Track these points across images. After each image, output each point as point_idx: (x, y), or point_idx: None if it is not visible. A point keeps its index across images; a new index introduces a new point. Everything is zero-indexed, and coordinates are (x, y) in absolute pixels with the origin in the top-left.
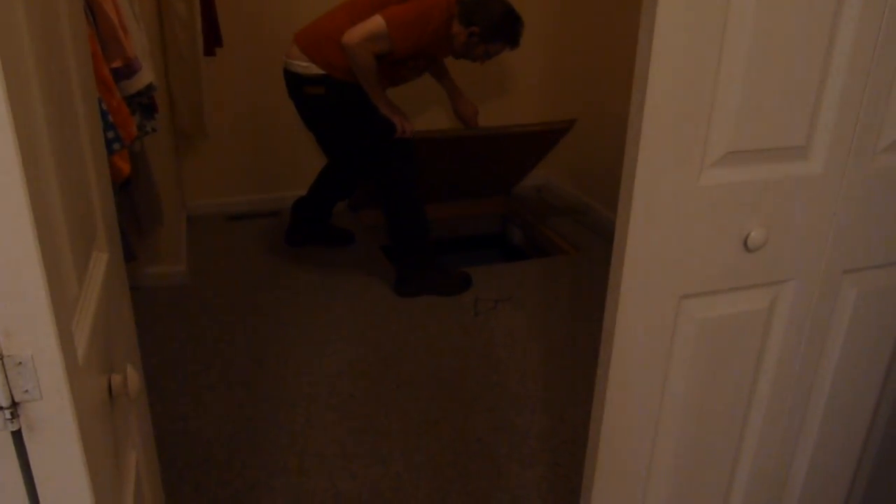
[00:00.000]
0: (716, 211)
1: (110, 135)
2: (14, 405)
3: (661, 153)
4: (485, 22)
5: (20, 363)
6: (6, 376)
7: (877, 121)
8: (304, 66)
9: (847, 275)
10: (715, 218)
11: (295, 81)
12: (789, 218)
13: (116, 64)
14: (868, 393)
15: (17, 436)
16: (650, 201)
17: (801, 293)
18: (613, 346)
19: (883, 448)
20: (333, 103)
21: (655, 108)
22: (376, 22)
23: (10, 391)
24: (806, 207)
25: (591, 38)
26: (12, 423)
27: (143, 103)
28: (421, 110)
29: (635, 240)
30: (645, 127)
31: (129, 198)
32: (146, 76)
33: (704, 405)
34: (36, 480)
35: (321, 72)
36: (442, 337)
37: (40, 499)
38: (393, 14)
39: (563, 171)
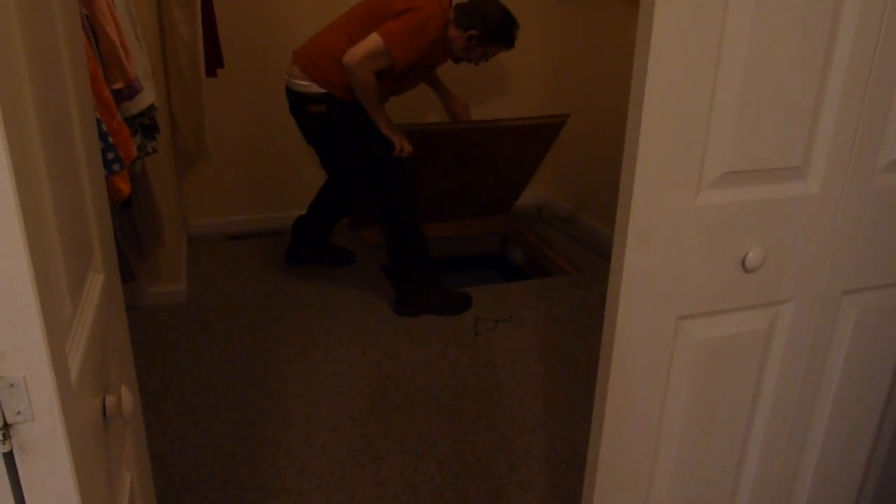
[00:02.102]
0: (713, 231)
1: (110, 155)
2: (6, 426)
3: (657, 174)
4: (483, 25)
5: (12, 385)
6: None
7: (874, 140)
8: (306, 86)
9: (846, 295)
10: (712, 238)
11: (297, 99)
12: (787, 238)
13: (118, 85)
14: (870, 414)
15: (9, 457)
16: (647, 222)
17: (801, 314)
18: (611, 367)
19: (886, 468)
20: (334, 121)
21: (652, 129)
22: (374, 41)
23: (3, 413)
24: (804, 228)
25: (590, 50)
26: (4, 444)
27: (144, 124)
28: (415, 116)
29: (632, 261)
30: (641, 148)
31: (129, 218)
32: (147, 97)
33: (704, 426)
34: (27, 502)
35: (322, 91)
36: (441, 357)
37: None
38: (389, 31)
39: (563, 191)
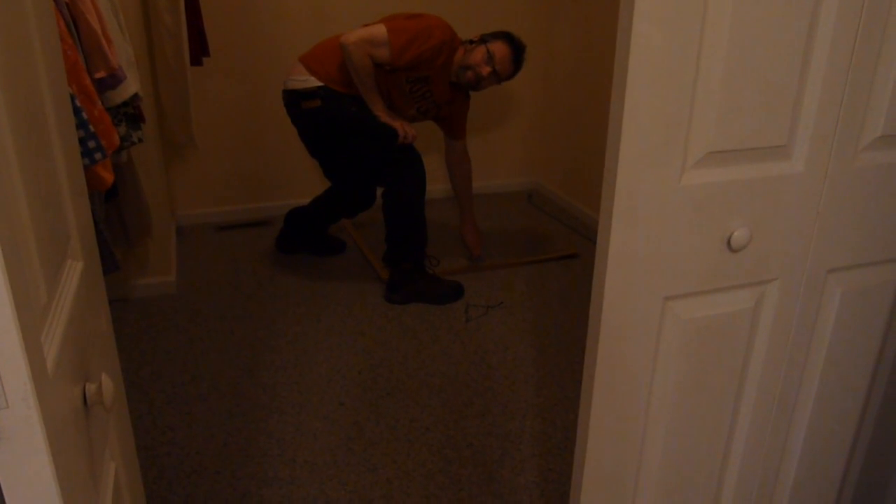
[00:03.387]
0: (698, 211)
1: (91, 144)
2: None
3: (641, 155)
4: (487, 34)
5: None
6: None
7: (858, 119)
8: (302, 80)
9: (832, 274)
10: (697, 218)
11: (292, 99)
12: (772, 218)
13: (100, 74)
14: (856, 392)
15: None
16: (632, 203)
17: (786, 293)
18: (599, 349)
19: (872, 448)
20: (331, 115)
21: (635, 110)
22: (377, 27)
23: None
24: (789, 207)
25: (580, 39)
26: None
27: (128, 113)
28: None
29: (618, 242)
30: (625, 129)
31: (116, 209)
32: (131, 86)
33: (692, 406)
34: (4, 490)
35: (318, 84)
36: (432, 344)
37: None
38: (395, 24)
39: (553, 176)
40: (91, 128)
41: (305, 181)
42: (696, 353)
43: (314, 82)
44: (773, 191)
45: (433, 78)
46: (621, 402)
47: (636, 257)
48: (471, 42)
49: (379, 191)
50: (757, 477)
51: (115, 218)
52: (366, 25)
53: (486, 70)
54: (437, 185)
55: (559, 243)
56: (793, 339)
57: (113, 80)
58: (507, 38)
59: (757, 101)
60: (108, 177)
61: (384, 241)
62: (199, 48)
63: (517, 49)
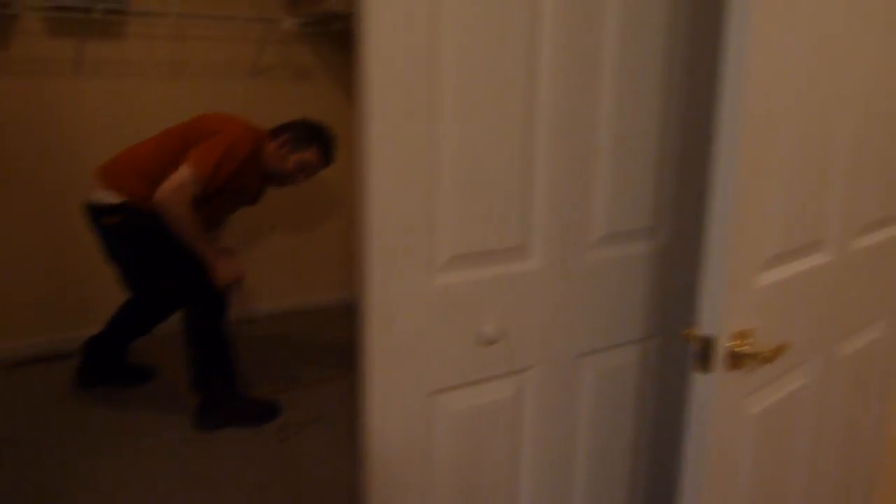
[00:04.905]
0: (452, 309)
1: None
2: None
3: (391, 261)
4: (295, 131)
5: None
6: None
7: (583, 220)
8: (102, 196)
9: (581, 358)
10: (452, 316)
11: (93, 214)
12: (519, 311)
13: None
14: (623, 463)
15: None
16: (388, 306)
17: (543, 379)
18: (373, 447)
19: None
20: (131, 233)
21: (381, 220)
22: (180, 173)
23: None
24: (532, 301)
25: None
26: None
27: None
28: None
29: (379, 343)
30: (374, 238)
31: None
32: None
33: (472, 492)
34: None
35: (119, 200)
36: (247, 466)
37: None
38: (197, 159)
39: None
40: None
41: (107, 309)
42: (470, 442)
43: (114, 198)
44: (517, 287)
45: (246, 182)
46: (400, 498)
47: (397, 355)
48: (277, 135)
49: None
50: None
51: None
52: (171, 164)
53: (300, 178)
54: (259, 302)
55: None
56: (556, 421)
57: None
58: (317, 138)
59: (491, 209)
60: None
61: (190, 365)
62: None
63: (328, 149)
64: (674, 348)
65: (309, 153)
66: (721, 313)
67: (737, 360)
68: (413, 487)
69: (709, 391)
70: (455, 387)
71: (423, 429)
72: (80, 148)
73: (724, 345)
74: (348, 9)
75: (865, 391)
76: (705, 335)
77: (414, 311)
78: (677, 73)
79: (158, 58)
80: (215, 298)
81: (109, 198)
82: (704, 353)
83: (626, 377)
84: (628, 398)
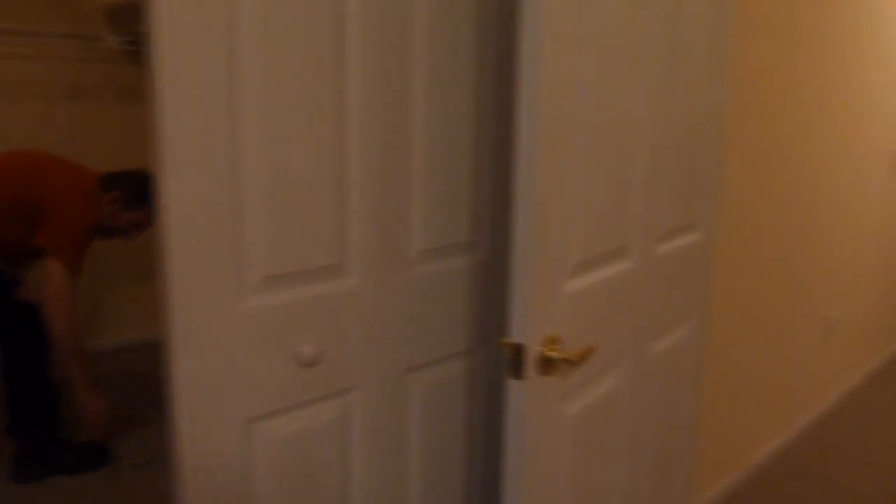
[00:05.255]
0: (265, 332)
1: None
2: None
3: (195, 284)
4: (127, 186)
5: None
6: None
7: (401, 236)
8: None
9: (409, 374)
10: (265, 339)
11: None
12: (338, 331)
13: None
14: (457, 477)
15: None
16: (192, 331)
17: (370, 398)
18: (186, 480)
19: None
20: None
21: (180, 245)
22: (59, 275)
23: None
24: (352, 319)
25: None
26: None
27: None
28: None
29: (185, 371)
30: (175, 263)
31: None
32: None
33: None
34: None
35: None
36: None
37: None
38: (64, 254)
39: None
40: None
41: None
42: (296, 470)
43: None
44: (335, 306)
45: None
46: None
47: (207, 382)
48: (109, 188)
49: None
50: None
51: None
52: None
53: (132, 234)
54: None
55: None
56: (386, 440)
57: None
58: (144, 195)
59: (304, 228)
60: None
61: (5, 411)
62: None
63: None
64: (499, 359)
65: (143, 213)
66: (529, 320)
67: (547, 365)
68: None
69: (522, 396)
70: (276, 411)
71: (244, 457)
72: None
73: (534, 351)
74: None
75: (678, 382)
76: (516, 342)
77: (223, 335)
78: (488, 86)
79: None
80: (39, 334)
81: None
82: (516, 360)
83: (455, 390)
84: (458, 410)
